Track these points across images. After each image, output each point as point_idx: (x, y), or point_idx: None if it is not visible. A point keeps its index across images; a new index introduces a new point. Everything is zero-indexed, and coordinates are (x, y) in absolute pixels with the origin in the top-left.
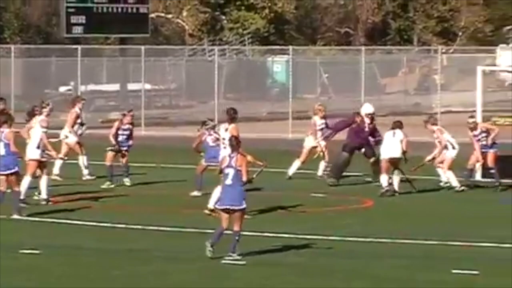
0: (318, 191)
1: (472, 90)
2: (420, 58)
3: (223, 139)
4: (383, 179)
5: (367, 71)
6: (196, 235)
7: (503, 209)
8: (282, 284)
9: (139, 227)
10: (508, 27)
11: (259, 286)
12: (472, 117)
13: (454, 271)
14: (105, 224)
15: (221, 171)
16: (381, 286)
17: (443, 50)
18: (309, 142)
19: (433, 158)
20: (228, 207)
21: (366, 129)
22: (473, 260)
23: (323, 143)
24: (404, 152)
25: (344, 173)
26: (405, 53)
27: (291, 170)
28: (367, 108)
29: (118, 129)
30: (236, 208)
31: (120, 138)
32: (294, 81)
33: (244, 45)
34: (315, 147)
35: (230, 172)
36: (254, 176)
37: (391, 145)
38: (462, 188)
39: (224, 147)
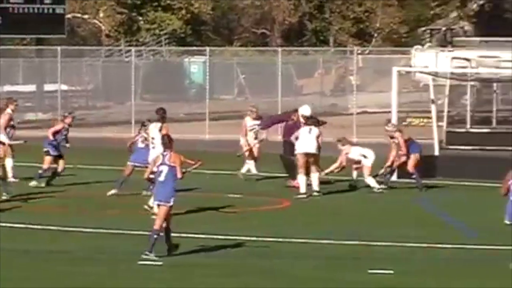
0: (235, 192)
1: (388, 91)
2: (336, 59)
3: (153, 138)
4: (301, 179)
5: (284, 72)
6: (116, 236)
7: (416, 209)
8: (201, 284)
9: (60, 228)
10: (423, 28)
11: (177, 287)
12: (390, 123)
13: (370, 271)
14: (21, 226)
15: (152, 173)
16: (300, 286)
17: (359, 51)
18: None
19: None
20: (158, 203)
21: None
22: (388, 260)
23: (255, 142)
24: (319, 148)
25: (260, 174)
26: (321, 54)
27: (253, 171)
28: (304, 110)
29: (60, 130)
30: (163, 204)
31: (58, 140)
32: (211, 82)
33: (161, 46)
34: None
35: (164, 169)
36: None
37: (307, 141)
38: (381, 189)
39: (153, 147)
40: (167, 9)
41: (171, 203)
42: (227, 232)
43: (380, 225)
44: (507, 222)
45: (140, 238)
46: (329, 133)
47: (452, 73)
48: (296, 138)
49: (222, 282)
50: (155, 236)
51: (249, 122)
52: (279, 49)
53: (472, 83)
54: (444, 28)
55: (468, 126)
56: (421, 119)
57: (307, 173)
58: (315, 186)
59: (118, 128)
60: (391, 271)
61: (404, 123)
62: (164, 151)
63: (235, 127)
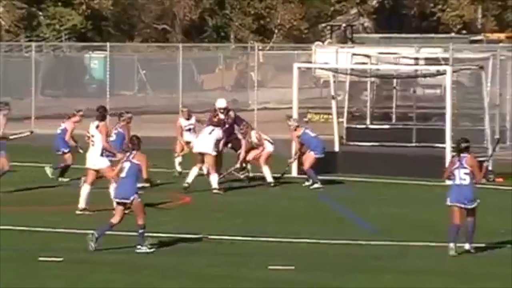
0: None
1: (288, 87)
2: (237, 55)
3: (92, 136)
4: (213, 178)
5: (185, 68)
6: (17, 233)
7: (318, 205)
8: (99, 282)
9: None
10: (323, 25)
11: (75, 284)
12: (290, 118)
13: (270, 267)
14: None
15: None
16: (200, 283)
17: (260, 47)
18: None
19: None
20: (118, 200)
21: (227, 124)
22: (288, 255)
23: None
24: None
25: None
26: (222, 50)
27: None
28: (219, 103)
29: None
30: (124, 201)
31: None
32: (112, 77)
33: (61, 41)
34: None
35: (126, 165)
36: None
37: (204, 140)
38: (273, 183)
39: (93, 145)
40: (67, 4)
41: (131, 199)
42: (129, 228)
43: (281, 221)
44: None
45: (41, 235)
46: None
47: (352, 70)
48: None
49: (119, 279)
50: (141, 231)
51: (183, 122)
52: (180, 45)
53: (372, 79)
54: (344, 25)
55: (368, 122)
56: (322, 115)
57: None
58: (214, 184)
59: (17, 124)
60: (292, 267)
61: (304, 119)
62: (132, 150)
63: (136, 122)
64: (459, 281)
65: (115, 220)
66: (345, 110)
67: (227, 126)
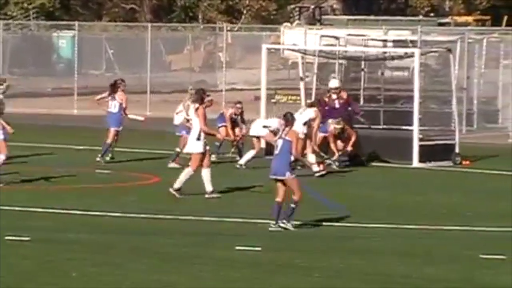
0: (104, 168)
1: (257, 68)
2: (205, 35)
3: (191, 119)
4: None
5: (153, 48)
6: None
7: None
8: (67, 261)
9: None
10: (292, 6)
11: (43, 262)
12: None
13: (237, 247)
14: None
15: None
16: (169, 263)
17: (228, 28)
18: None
19: None
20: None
21: (337, 105)
22: (255, 236)
23: None
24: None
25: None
26: (190, 30)
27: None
28: (332, 83)
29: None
30: (278, 177)
31: None
32: (80, 56)
33: (29, 20)
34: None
35: (279, 142)
36: None
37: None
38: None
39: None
40: None
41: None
42: (96, 208)
43: (249, 202)
44: None
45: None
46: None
47: (320, 51)
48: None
49: (87, 258)
50: (293, 206)
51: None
52: (149, 24)
53: (340, 61)
54: (312, 6)
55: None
56: (290, 97)
57: None
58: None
59: None
60: (259, 248)
61: (272, 100)
62: (286, 126)
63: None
64: (425, 262)
65: (280, 198)
66: (313, 91)
67: (337, 107)
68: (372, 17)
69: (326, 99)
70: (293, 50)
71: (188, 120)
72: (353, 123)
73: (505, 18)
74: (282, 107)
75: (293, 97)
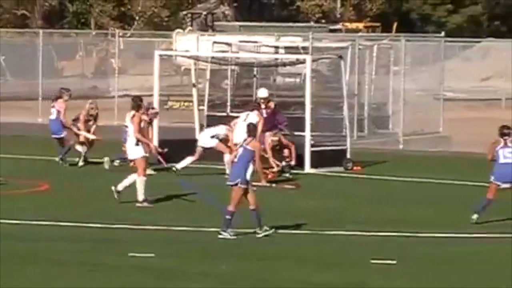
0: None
1: (150, 74)
2: (98, 41)
3: (126, 126)
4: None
5: (45, 54)
6: None
7: (180, 192)
8: None
9: None
10: (184, 12)
11: None
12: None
13: (131, 254)
14: None
15: None
16: (60, 270)
17: (120, 34)
18: None
19: None
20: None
21: (264, 115)
22: (149, 243)
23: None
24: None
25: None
26: (82, 36)
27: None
28: (260, 93)
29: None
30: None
31: None
32: None
33: None
34: None
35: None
36: None
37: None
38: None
39: (128, 136)
40: None
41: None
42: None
43: (143, 209)
44: (498, 183)
45: None
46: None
47: (213, 57)
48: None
49: None
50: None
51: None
52: (40, 31)
53: (233, 67)
54: (205, 13)
55: (229, 110)
56: (182, 103)
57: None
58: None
59: None
60: (152, 254)
61: (165, 106)
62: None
63: None
64: (316, 268)
65: (252, 205)
66: (206, 97)
67: (265, 116)
68: (264, 24)
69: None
70: (185, 56)
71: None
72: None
73: (395, 24)
74: (175, 113)
75: (186, 103)
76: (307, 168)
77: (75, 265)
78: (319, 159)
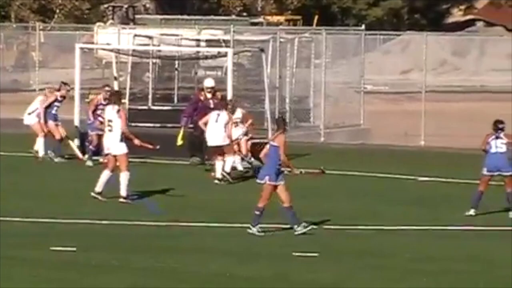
0: None
1: (71, 67)
2: (18, 34)
3: (110, 120)
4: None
5: None
6: None
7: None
8: None
9: None
10: (105, 5)
11: None
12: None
13: (52, 248)
14: None
15: None
16: None
17: (41, 27)
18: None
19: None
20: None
21: (212, 105)
22: (69, 236)
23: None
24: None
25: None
26: (2, 29)
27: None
28: (207, 82)
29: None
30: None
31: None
32: None
33: None
34: None
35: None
36: None
37: (213, 131)
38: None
39: (110, 130)
40: None
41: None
42: None
43: (65, 202)
44: (490, 173)
45: None
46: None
47: (134, 51)
48: (205, 124)
49: None
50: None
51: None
52: None
53: (154, 60)
54: (126, 6)
55: (150, 103)
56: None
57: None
58: (217, 173)
59: None
60: (74, 248)
61: (86, 100)
62: None
63: None
64: (239, 261)
65: (286, 203)
66: (127, 91)
67: (211, 106)
68: (185, 17)
69: (201, 97)
70: (106, 49)
71: (101, 122)
72: None
73: (316, 18)
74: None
75: None
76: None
77: None
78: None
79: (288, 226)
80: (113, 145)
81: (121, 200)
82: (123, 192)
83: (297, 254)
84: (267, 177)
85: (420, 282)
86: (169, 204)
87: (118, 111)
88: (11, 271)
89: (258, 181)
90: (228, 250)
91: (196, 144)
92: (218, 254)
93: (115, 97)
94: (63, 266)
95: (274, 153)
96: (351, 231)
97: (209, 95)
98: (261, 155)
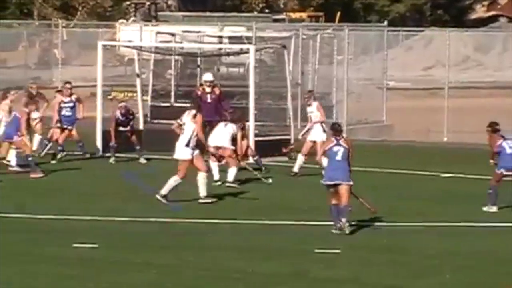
0: None
1: (93, 64)
2: (41, 32)
3: (183, 124)
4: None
5: None
6: None
7: (123, 183)
8: None
9: None
10: (128, 3)
11: None
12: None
13: (75, 245)
14: None
15: None
16: (3, 260)
17: (63, 25)
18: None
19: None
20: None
21: (209, 100)
22: (92, 234)
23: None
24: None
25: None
26: (25, 27)
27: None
28: (206, 76)
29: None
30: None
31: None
32: None
33: None
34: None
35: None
36: None
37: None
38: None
39: (182, 133)
40: None
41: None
42: None
43: (85, 199)
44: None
45: None
46: None
47: (156, 48)
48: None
49: None
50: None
51: (65, 99)
52: None
53: (176, 57)
54: (148, 3)
55: (172, 100)
56: (126, 93)
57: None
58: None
59: None
60: (96, 245)
61: (109, 97)
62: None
63: None
64: (260, 257)
65: (343, 201)
66: (150, 88)
67: (209, 101)
68: (207, 14)
69: (199, 92)
70: (128, 46)
71: (180, 125)
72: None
73: (338, 14)
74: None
75: (130, 94)
76: (251, 158)
77: (14, 256)
78: (263, 149)
79: (308, 223)
80: (179, 149)
81: (200, 201)
82: (164, 191)
83: (319, 251)
84: (346, 178)
85: (443, 278)
86: (189, 200)
87: (195, 116)
88: (33, 267)
89: (339, 182)
90: (246, 247)
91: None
92: (237, 251)
93: (194, 103)
94: (84, 263)
95: (346, 155)
96: (374, 227)
97: (208, 89)
98: (319, 156)
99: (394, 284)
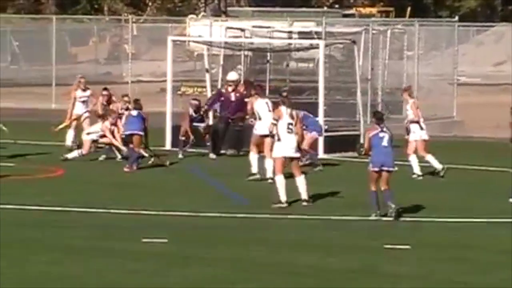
0: (7, 161)
1: (163, 59)
2: (111, 27)
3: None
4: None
5: (58, 40)
6: None
7: (190, 178)
8: None
9: None
10: None
11: None
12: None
13: (144, 239)
14: None
15: None
16: (74, 256)
17: (134, 20)
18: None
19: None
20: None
21: (233, 98)
22: (161, 228)
23: (86, 114)
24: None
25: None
26: (96, 22)
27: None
28: (230, 76)
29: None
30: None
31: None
32: None
33: None
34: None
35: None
36: None
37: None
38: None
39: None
40: None
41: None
42: None
43: (153, 194)
44: None
45: None
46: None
47: (226, 43)
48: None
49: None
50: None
51: (79, 93)
52: (54, 16)
53: (246, 52)
54: None
55: None
56: (195, 88)
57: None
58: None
59: None
60: (165, 240)
61: (178, 92)
62: None
63: (10, 95)
64: (328, 253)
65: (383, 186)
66: (219, 83)
67: (233, 100)
68: (277, 9)
69: (224, 91)
70: (198, 42)
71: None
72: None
73: (409, 9)
74: (188, 99)
75: (199, 89)
76: (321, 153)
77: (85, 251)
78: (332, 144)
79: (384, 218)
80: (294, 147)
81: (273, 206)
82: (303, 195)
83: (388, 246)
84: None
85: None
86: (255, 194)
87: (297, 115)
88: (102, 262)
89: (389, 169)
90: (314, 242)
91: (220, 136)
92: (304, 246)
93: (283, 98)
94: (153, 257)
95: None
96: (444, 223)
97: (230, 89)
98: (366, 145)
99: (465, 280)
